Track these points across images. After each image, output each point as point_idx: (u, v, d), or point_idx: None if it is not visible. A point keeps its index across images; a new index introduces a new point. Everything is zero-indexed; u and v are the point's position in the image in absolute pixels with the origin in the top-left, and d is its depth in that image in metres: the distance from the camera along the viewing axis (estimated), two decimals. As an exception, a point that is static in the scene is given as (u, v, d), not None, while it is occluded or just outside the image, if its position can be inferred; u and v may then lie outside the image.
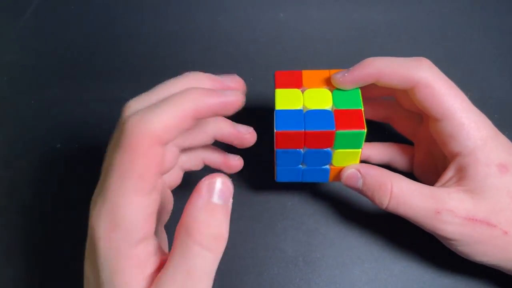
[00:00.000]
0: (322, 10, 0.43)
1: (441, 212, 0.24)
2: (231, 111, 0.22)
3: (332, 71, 0.27)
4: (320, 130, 0.24)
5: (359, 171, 0.26)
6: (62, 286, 0.29)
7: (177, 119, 0.20)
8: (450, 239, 0.25)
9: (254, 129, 0.29)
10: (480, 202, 0.24)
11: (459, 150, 0.25)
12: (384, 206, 0.26)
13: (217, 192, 0.20)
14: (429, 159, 0.30)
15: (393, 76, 0.25)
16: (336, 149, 0.26)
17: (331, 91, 0.26)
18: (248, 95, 0.37)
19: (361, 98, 0.26)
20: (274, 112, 0.25)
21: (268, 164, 0.30)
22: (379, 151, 0.31)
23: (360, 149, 0.26)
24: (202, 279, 0.19)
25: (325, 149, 0.25)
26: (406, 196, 0.25)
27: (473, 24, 0.42)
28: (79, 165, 0.34)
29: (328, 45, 0.41)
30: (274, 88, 0.27)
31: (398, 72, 0.25)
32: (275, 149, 0.25)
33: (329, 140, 0.25)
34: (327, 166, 0.27)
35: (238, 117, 0.36)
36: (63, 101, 0.38)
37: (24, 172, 0.34)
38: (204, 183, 0.20)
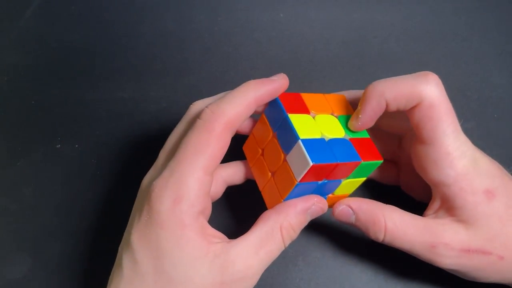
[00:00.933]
0: (322, 10, 0.43)
1: (436, 246, 0.24)
2: (282, 91, 0.25)
3: (328, 96, 0.27)
4: (350, 162, 0.23)
5: (350, 207, 0.26)
6: (63, 284, 0.29)
7: (244, 106, 0.23)
8: (448, 270, 0.25)
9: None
10: (474, 232, 0.24)
11: (440, 179, 0.25)
12: (380, 241, 0.25)
13: (312, 212, 0.25)
14: (414, 176, 0.29)
15: (401, 97, 0.24)
16: (348, 179, 0.25)
17: (336, 117, 0.26)
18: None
19: None
20: (299, 141, 0.23)
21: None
22: None
23: (365, 178, 0.26)
24: (272, 260, 0.23)
25: (338, 180, 0.25)
26: (400, 230, 0.25)
27: (473, 24, 0.42)
28: (79, 165, 0.34)
29: (328, 45, 0.41)
30: (284, 113, 0.25)
31: (404, 91, 0.24)
32: (296, 182, 0.23)
33: (350, 170, 0.24)
34: (326, 195, 0.26)
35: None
36: (63, 101, 0.38)
37: (24, 172, 0.34)
38: (314, 197, 0.25)
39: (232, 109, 0.23)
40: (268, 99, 0.25)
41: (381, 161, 0.24)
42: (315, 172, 0.23)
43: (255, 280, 0.23)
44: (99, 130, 0.36)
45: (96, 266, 0.30)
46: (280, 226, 0.23)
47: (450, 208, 0.25)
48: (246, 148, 0.28)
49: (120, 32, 0.42)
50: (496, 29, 0.42)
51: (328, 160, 0.23)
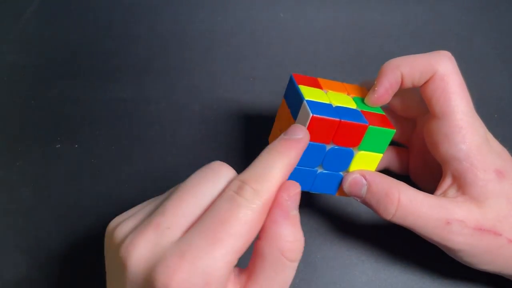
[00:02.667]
0: (322, 10, 0.43)
1: (451, 222, 0.24)
2: (305, 148, 0.22)
3: (347, 85, 0.27)
4: (355, 122, 0.24)
5: (364, 176, 0.25)
6: (63, 284, 0.29)
7: (283, 179, 0.20)
8: (458, 250, 0.25)
9: (254, 128, 0.29)
10: (486, 211, 0.24)
11: (452, 154, 0.25)
12: (389, 216, 0.24)
13: (294, 204, 0.20)
14: (424, 164, 0.30)
15: (415, 71, 0.25)
16: (360, 150, 0.25)
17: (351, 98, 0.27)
18: (248, 96, 0.37)
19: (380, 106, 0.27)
20: (303, 103, 0.24)
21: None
22: None
23: (382, 154, 0.25)
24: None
25: (349, 149, 0.25)
26: (414, 206, 0.24)
27: (473, 24, 0.42)
28: (79, 165, 0.34)
29: (328, 45, 0.41)
30: (287, 89, 0.26)
31: (419, 65, 0.25)
32: None
33: (359, 136, 0.24)
34: (341, 173, 0.26)
35: (239, 116, 0.36)
36: (63, 101, 0.38)
37: (24, 172, 0.34)
38: (283, 197, 0.20)
39: (273, 187, 0.19)
40: (296, 161, 0.21)
41: (394, 130, 0.24)
42: (318, 128, 0.23)
43: None
44: (99, 130, 0.36)
45: (96, 266, 0.30)
46: (280, 253, 0.19)
47: (460, 186, 0.25)
48: (271, 139, 0.30)
49: (120, 32, 0.42)
50: (496, 29, 0.42)
51: (329, 115, 0.23)
